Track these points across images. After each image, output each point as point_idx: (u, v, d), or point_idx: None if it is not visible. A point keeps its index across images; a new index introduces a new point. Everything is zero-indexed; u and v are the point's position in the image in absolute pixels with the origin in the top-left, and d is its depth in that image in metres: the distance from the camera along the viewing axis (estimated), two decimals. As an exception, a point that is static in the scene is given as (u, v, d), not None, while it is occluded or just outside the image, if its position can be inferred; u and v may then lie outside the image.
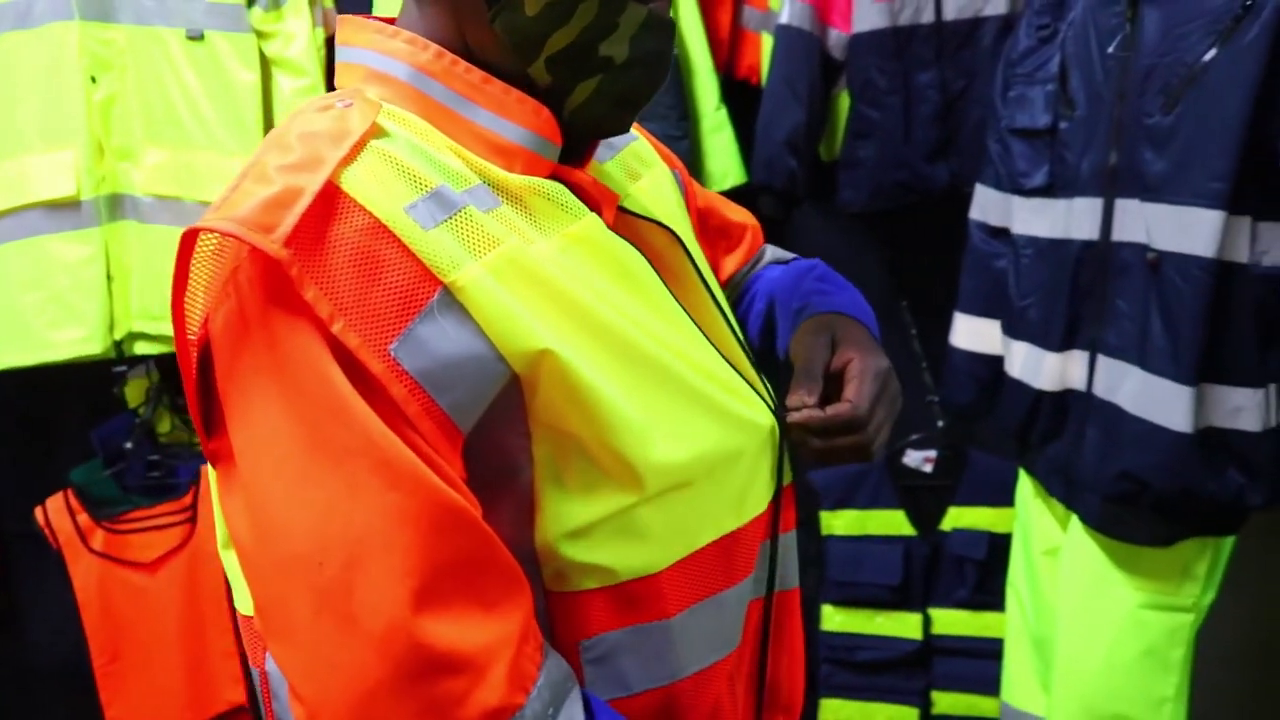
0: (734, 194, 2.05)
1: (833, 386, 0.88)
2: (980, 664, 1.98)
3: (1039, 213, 1.53)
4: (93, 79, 1.85)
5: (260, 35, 1.89)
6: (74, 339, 1.86)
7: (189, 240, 0.70)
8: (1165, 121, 1.34)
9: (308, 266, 0.66)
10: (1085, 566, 1.48)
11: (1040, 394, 1.52)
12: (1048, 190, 1.52)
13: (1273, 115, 1.27)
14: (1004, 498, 1.90)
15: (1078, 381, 1.48)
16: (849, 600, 2.13)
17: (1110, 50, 1.41)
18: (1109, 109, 1.41)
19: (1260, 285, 1.31)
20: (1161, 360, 1.35)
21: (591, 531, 0.77)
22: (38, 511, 2.02)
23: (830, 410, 0.84)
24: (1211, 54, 1.30)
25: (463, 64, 0.78)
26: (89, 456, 2.12)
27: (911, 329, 2.15)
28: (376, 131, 0.73)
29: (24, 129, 1.85)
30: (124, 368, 2.10)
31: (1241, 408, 1.33)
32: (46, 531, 2.01)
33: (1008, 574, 1.75)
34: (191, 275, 0.72)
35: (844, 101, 2.07)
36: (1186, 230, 1.32)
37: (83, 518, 2.02)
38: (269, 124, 1.91)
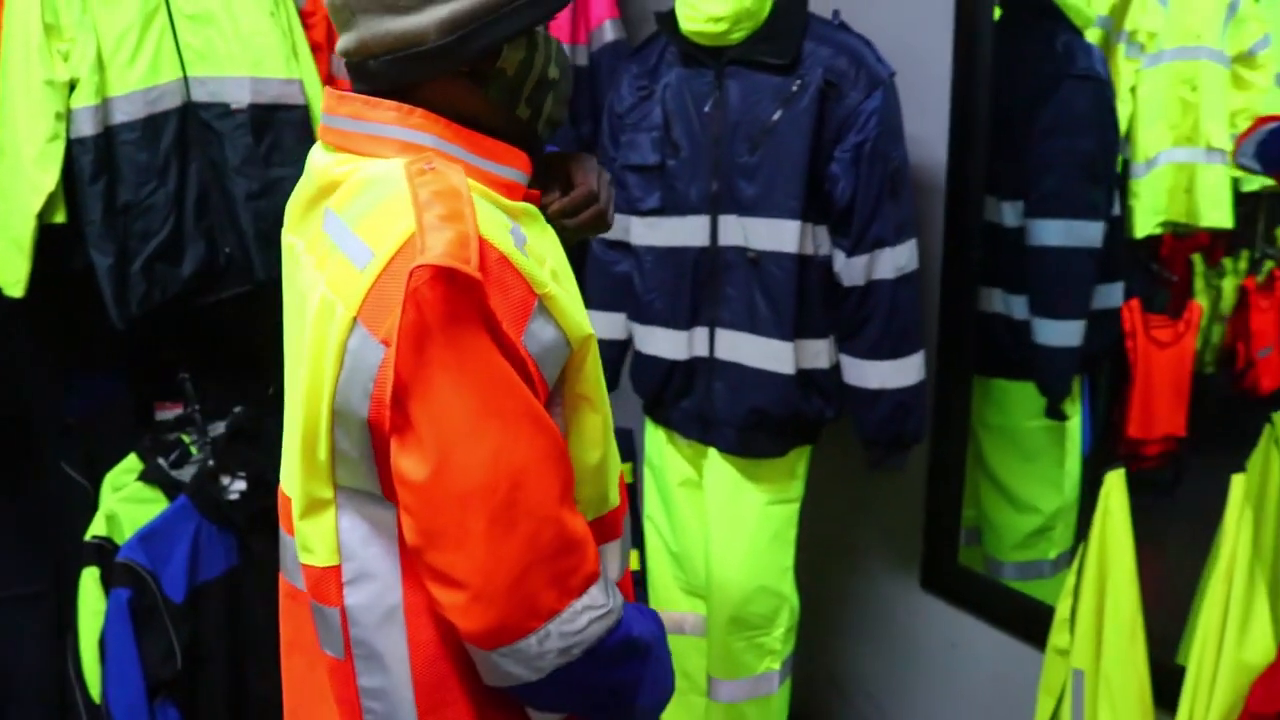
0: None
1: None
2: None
3: (655, 228, 2.03)
4: None
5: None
6: None
7: (410, 273, 0.96)
8: (752, 160, 1.90)
9: (488, 285, 0.98)
10: (725, 483, 2.03)
11: (673, 363, 2.03)
12: (661, 211, 2.02)
13: (819, 157, 1.88)
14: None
15: (702, 350, 2.01)
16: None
17: (706, 109, 1.94)
18: (708, 151, 1.95)
19: (820, 269, 1.94)
20: (767, 326, 1.92)
21: (585, 476, 1.13)
22: None
23: (572, 194, 1.23)
24: (778, 114, 1.88)
25: (466, 130, 1.09)
26: None
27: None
28: (468, 186, 1.03)
29: None
30: None
31: (819, 353, 1.96)
32: None
33: (641, 509, 2.25)
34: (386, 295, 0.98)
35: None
36: (776, 235, 1.90)
37: None
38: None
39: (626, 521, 1.24)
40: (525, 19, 1.07)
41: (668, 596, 2.21)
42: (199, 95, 2.08)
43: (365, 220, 1.03)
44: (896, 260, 1.91)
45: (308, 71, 2.19)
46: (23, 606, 2.32)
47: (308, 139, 2.19)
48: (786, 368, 1.92)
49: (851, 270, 1.91)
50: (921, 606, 2.31)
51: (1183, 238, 2.51)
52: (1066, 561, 2.38)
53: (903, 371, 1.96)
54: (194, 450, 2.27)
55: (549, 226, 1.16)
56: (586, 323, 1.09)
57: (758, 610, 2.04)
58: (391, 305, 0.98)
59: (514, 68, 1.10)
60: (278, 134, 2.15)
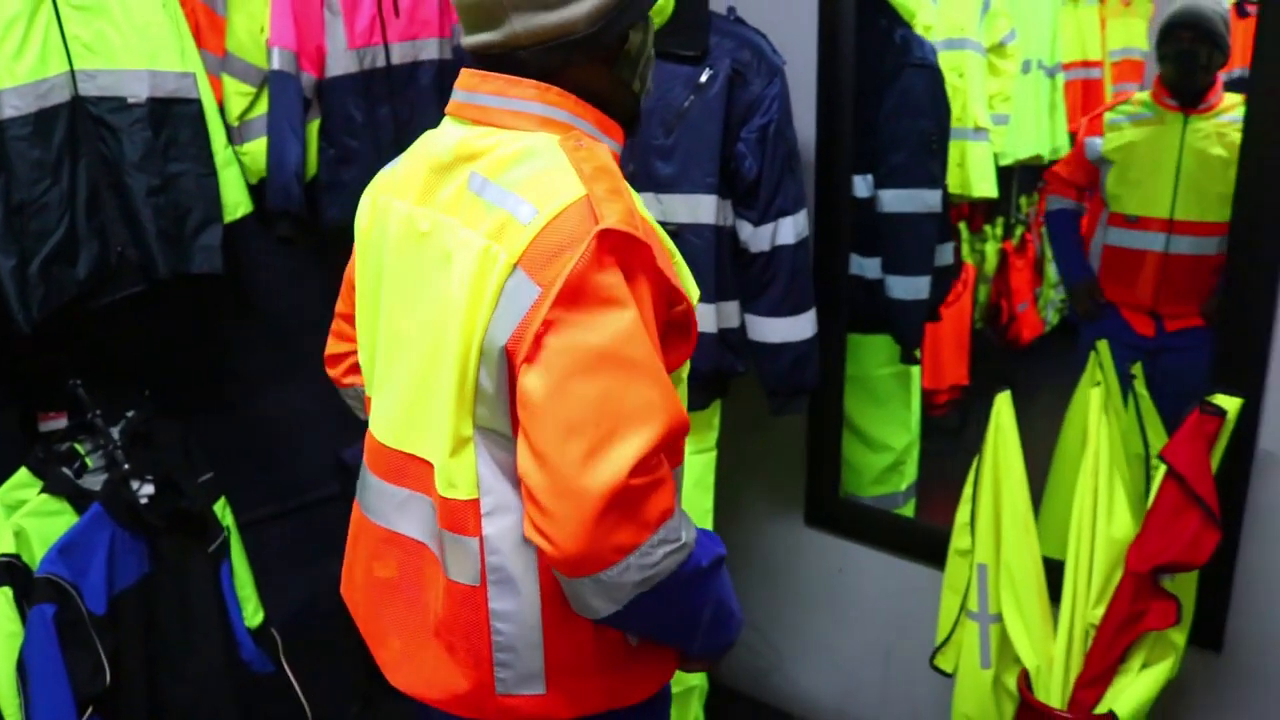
0: (244, 221, 2.31)
1: None
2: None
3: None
4: None
5: None
6: None
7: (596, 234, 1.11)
8: (668, 142, 2.09)
9: (654, 249, 1.15)
10: (657, 438, 2.20)
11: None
12: (579, 192, 2.16)
13: (730, 138, 2.10)
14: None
15: (628, 318, 2.17)
16: (392, 548, 2.53)
17: (620, 96, 2.11)
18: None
19: (731, 238, 2.16)
20: (692, 293, 2.12)
21: None
22: None
23: None
24: (690, 101, 2.08)
25: (591, 107, 1.26)
26: None
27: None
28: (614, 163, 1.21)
29: None
30: None
31: (732, 314, 2.18)
32: None
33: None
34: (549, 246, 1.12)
35: (314, 132, 2.41)
36: (694, 209, 2.10)
37: None
38: None
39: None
40: (645, 4, 1.25)
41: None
42: (87, 89, 2.02)
43: (528, 183, 1.16)
44: (796, 227, 2.15)
45: (197, 65, 2.17)
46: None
47: (203, 132, 2.17)
48: (710, 328, 2.13)
49: (758, 238, 2.14)
50: (807, 541, 2.59)
51: (954, 208, 2.94)
52: (915, 491, 2.74)
53: (801, 326, 2.21)
54: (90, 460, 2.19)
55: None
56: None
57: (688, 553, 2.23)
58: (553, 256, 1.12)
59: (635, 48, 1.28)
60: (175, 128, 2.12)
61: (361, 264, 1.42)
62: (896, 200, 2.42)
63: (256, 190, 2.36)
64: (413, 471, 1.29)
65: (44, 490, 2.07)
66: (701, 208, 2.09)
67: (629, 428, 1.10)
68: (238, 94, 2.32)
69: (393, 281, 1.32)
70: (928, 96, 2.40)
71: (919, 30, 2.56)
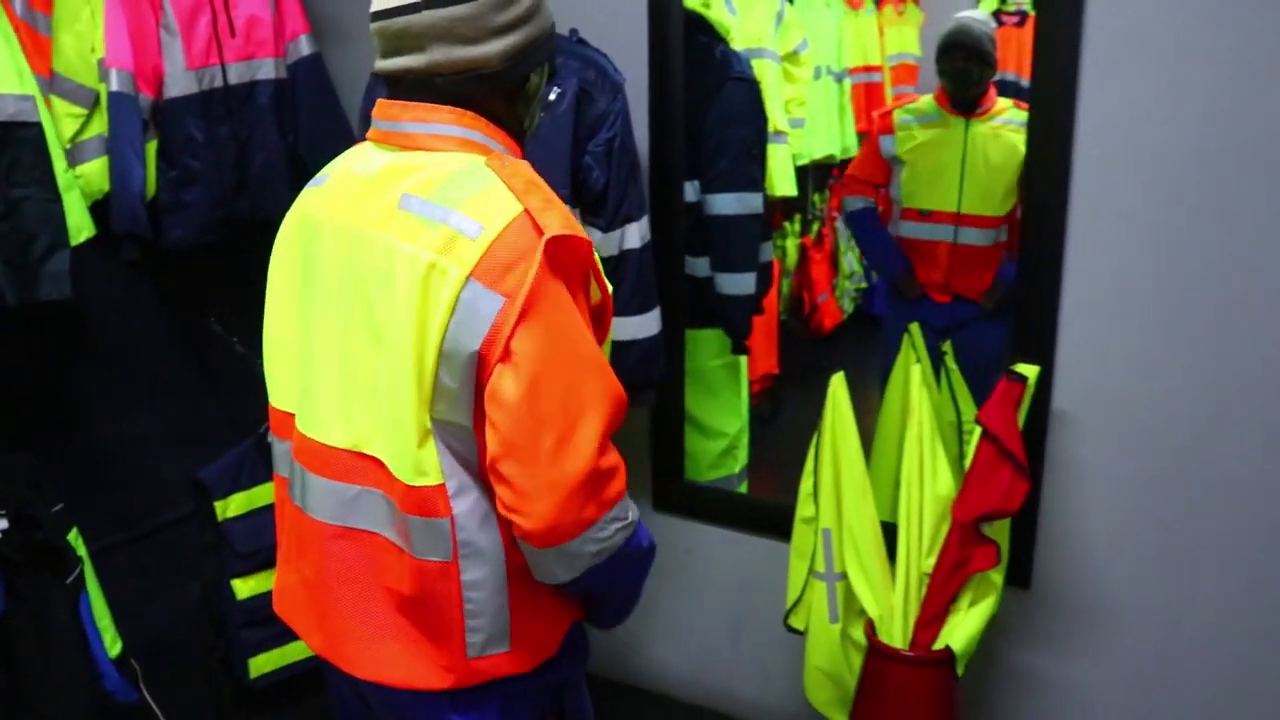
0: (84, 246, 2.28)
1: None
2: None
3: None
4: None
5: None
6: None
7: (545, 244, 1.25)
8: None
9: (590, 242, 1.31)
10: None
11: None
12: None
13: (579, 152, 2.24)
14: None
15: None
16: (253, 568, 2.54)
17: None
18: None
19: (582, 245, 2.30)
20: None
21: None
22: None
23: None
24: (540, 117, 2.19)
25: (499, 130, 1.41)
26: None
27: (231, 337, 2.60)
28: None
29: None
30: None
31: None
32: None
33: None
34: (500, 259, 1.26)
35: (152, 153, 2.40)
36: (550, 219, 2.22)
37: None
38: None
39: None
40: (545, 53, 1.43)
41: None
42: None
43: (469, 202, 1.28)
44: (640, 232, 2.32)
45: (34, 88, 2.13)
46: None
47: (45, 156, 2.13)
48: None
49: (607, 243, 2.29)
50: (656, 525, 2.76)
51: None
52: (748, 473, 2.96)
53: (647, 324, 2.38)
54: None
55: None
56: None
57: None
58: (508, 268, 1.25)
59: (533, 89, 1.44)
60: (17, 152, 2.08)
61: (277, 281, 1.49)
62: (723, 203, 2.63)
63: (94, 212, 2.32)
64: (362, 469, 1.38)
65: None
66: (556, 217, 2.22)
67: (586, 415, 1.27)
68: (68, 115, 2.29)
69: (323, 296, 1.40)
70: (747, 107, 2.62)
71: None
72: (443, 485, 1.32)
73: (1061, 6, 2.00)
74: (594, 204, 2.27)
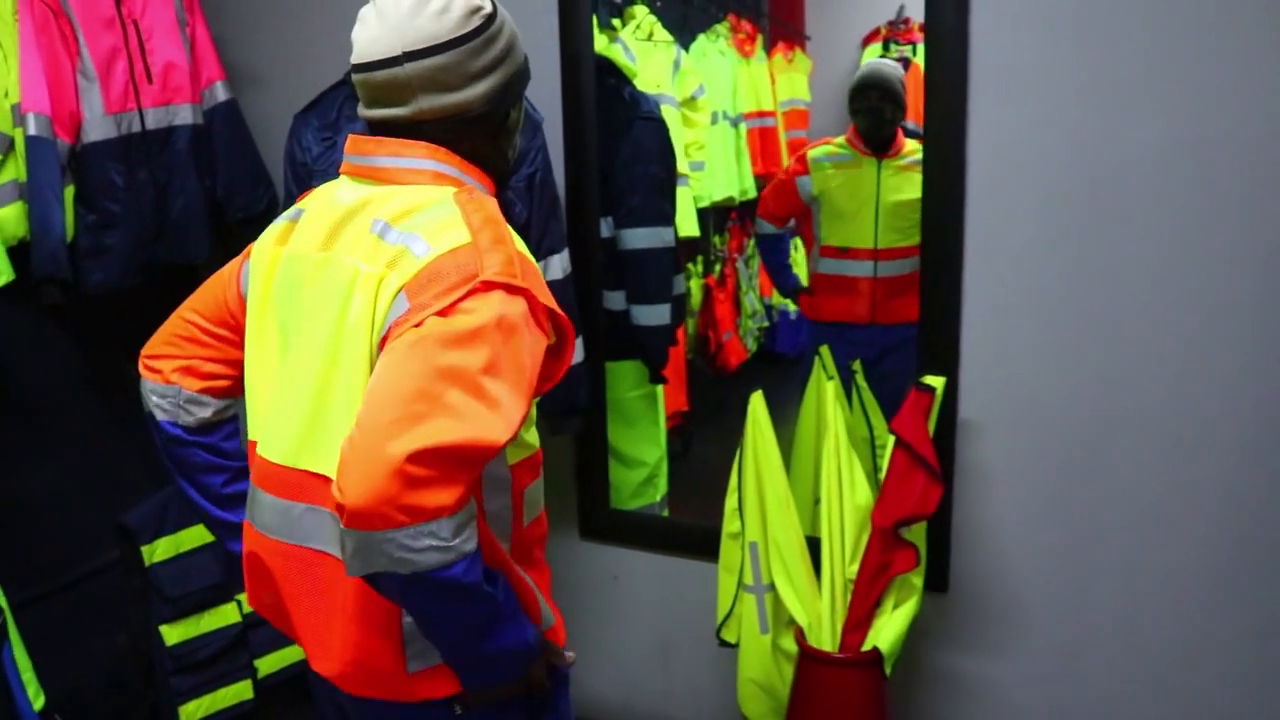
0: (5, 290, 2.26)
1: None
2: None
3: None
4: None
5: None
6: None
7: (479, 283, 1.28)
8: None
9: (535, 290, 1.34)
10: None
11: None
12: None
13: (502, 189, 2.31)
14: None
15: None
16: (181, 613, 2.51)
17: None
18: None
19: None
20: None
21: (528, 425, 1.51)
22: None
23: None
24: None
25: (470, 164, 1.47)
26: None
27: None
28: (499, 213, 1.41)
29: None
30: None
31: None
32: None
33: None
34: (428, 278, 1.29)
35: (69, 198, 2.39)
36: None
37: None
38: None
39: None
40: (521, 89, 1.51)
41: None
42: None
43: (425, 227, 1.35)
44: (563, 264, 2.40)
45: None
46: None
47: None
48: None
49: (549, 269, 2.37)
50: (582, 552, 2.81)
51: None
52: (669, 501, 3.03)
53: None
54: None
55: None
56: None
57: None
58: (429, 283, 1.30)
59: (514, 123, 1.52)
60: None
61: (254, 316, 1.52)
62: (637, 238, 2.73)
63: (11, 257, 2.31)
64: (309, 487, 1.40)
65: None
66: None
67: (436, 417, 1.20)
68: (-16, 161, 2.28)
69: (294, 320, 1.44)
70: (656, 145, 2.73)
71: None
72: None
73: (949, 46, 2.17)
74: (520, 231, 2.34)
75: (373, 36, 1.40)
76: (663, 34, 3.33)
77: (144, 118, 2.45)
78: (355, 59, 1.42)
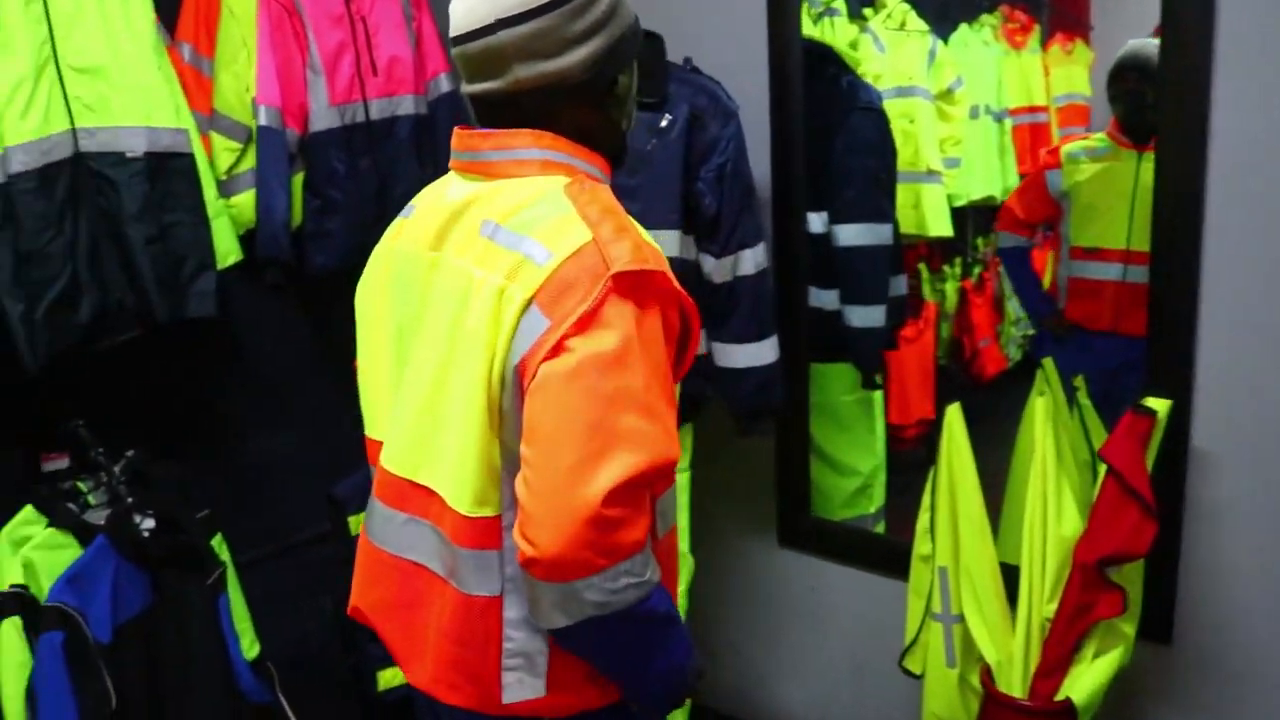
0: (233, 271, 2.43)
1: None
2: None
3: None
4: None
5: None
6: None
7: (610, 279, 1.22)
8: (632, 183, 2.23)
9: (666, 272, 1.28)
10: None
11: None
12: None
13: (690, 178, 2.25)
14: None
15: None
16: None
17: (588, 141, 2.26)
18: (592, 177, 2.27)
19: (695, 271, 2.30)
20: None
21: None
22: None
23: None
24: (652, 144, 2.24)
25: (581, 146, 1.40)
26: None
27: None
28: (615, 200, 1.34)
29: None
30: None
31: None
32: None
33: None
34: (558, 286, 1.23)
35: (298, 185, 2.55)
36: (661, 244, 2.23)
37: None
38: None
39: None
40: (630, 52, 1.41)
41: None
42: (88, 146, 2.15)
43: (541, 229, 1.28)
44: (756, 258, 2.30)
45: (189, 121, 2.31)
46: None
47: (196, 185, 2.30)
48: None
49: (721, 269, 2.29)
50: (780, 561, 2.70)
51: (912, 248, 3.09)
52: (884, 514, 2.86)
53: (764, 352, 2.35)
54: (91, 499, 2.28)
55: None
56: None
57: (664, 570, 2.34)
58: (562, 293, 1.23)
59: (623, 90, 1.43)
60: (170, 181, 2.25)
61: (369, 311, 1.52)
62: (850, 234, 2.58)
63: (244, 240, 2.49)
64: (415, 498, 1.38)
65: (50, 525, 2.16)
66: (666, 243, 2.23)
67: (617, 450, 1.17)
68: (225, 150, 2.46)
69: (408, 324, 1.42)
70: (874, 137, 2.58)
71: (868, 78, 2.75)
72: (499, 517, 1.30)
73: (1189, 26, 1.89)
74: (707, 230, 2.28)
75: (468, 7, 1.35)
76: (916, 23, 3.13)
77: (368, 109, 2.57)
78: (452, 31, 1.37)
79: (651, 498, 1.39)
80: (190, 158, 2.28)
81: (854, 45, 2.79)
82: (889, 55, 3.04)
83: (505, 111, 1.37)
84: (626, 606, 1.22)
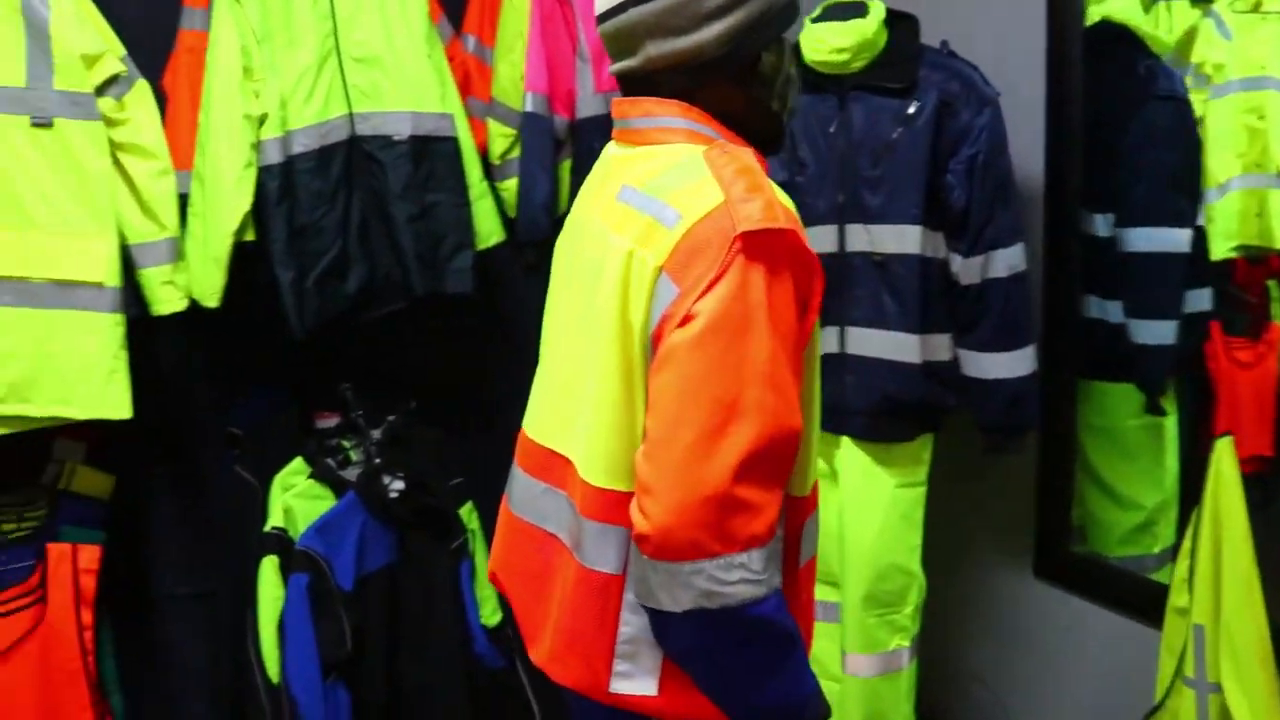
0: (499, 251, 2.54)
1: None
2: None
3: (785, 239, 2.25)
4: (-59, 165, 1.86)
5: (108, 122, 2.01)
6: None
7: (735, 239, 1.17)
8: (875, 173, 2.12)
9: (796, 230, 1.20)
10: (858, 468, 2.21)
11: (806, 360, 2.24)
12: (790, 223, 2.24)
13: (936, 169, 2.10)
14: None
15: (833, 347, 2.20)
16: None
17: (830, 130, 2.16)
18: (833, 167, 2.16)
19: (938, 270, 2.14)
20: (896, 321, 2.13)
21: (808, 439, 1.32)
22: None
23: None
24: (898, 133, 2.10)
25: (725, 128, 1.33)
26: None
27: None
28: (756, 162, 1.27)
29: None
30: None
31: (941, 346, 2.16)
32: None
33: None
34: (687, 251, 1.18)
35: (566, 170, 2.64)
36: (900, 239, 2.11)
37: (-80, 616, 1.94)
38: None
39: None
40: (776, 29, 1.33)
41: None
42: (363, 129, 2.32)
43: (672, 191, 1.24)
44: (1009, 260, 2.11)
45: (456, 107, 2.44)
46: (194, 604, 2.51)
47: (459, 167, 2.42)
48: (913, 358, 2.12)
49: (969, 270, 2.11)
50: (1035, 594, 2.46)
51: (1256, 261, 2.68)
52: (1170, 556, 2.53)
53: (1017, 363, 2.15)
54: (353, 455, 2.48)
55: None
56: None
57: (889, 587, 2.20)
58: (691, 259, 1.18)
59: (770, 69, 1.34)
60: (433, 163, 2.38)
61: (553, 277, 1.54)
62: (1139, 239, 2.29)
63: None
64: (553, 467, 1.38)
65: (310, 476, 2.37)
66: (907, 238, 2.09)
67: (738, 424, 1.13)
68: (500, 135, 2.59)
69: (558, 289, 1.45)
70: (1174, 129, 2.26)
71: (1205, 69, 2.43)
72: (630, 493, 1.25)
73: None
74: (955, 226, 2.11)
75: None
76: (1276, 3, 2.74)
77: (623, 93, 2.60)
78: (595, 11, 1.36)
79: (796, 520, 1.32)
80: (453, 141, 2.41)
81: (1191, 32, 2.47)
82: (1236, 42, 2.67)
83: (643, 90, 1.34)
84: (739, 604, 1.15)
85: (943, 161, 2.08)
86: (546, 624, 1.39)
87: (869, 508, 2.21)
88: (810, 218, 2.19)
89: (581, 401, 1.31)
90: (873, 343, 2.15)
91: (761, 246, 1.17)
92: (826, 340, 2.21)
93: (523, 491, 1.45)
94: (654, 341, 1.21)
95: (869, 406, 2.17)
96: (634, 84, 1.35)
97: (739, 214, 1.17)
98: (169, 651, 2.49)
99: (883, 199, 2.11)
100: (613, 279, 1.25)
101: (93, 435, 2.24)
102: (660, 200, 1.24)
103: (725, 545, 1.13)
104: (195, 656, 2.49)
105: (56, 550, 2.07)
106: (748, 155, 1.27)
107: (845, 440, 2.23)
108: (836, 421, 2.22)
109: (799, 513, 1.33)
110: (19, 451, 2.14)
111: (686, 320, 1.17)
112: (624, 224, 1.27)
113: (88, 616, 2.08)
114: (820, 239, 2.19)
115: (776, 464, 1.18)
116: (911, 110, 2.08)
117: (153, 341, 2.32)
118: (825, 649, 2.33)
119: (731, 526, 1.13)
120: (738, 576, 1.14)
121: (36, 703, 2.04)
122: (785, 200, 1.26)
